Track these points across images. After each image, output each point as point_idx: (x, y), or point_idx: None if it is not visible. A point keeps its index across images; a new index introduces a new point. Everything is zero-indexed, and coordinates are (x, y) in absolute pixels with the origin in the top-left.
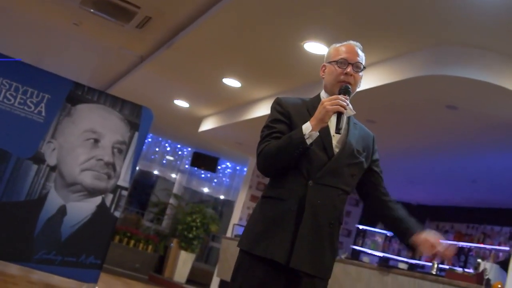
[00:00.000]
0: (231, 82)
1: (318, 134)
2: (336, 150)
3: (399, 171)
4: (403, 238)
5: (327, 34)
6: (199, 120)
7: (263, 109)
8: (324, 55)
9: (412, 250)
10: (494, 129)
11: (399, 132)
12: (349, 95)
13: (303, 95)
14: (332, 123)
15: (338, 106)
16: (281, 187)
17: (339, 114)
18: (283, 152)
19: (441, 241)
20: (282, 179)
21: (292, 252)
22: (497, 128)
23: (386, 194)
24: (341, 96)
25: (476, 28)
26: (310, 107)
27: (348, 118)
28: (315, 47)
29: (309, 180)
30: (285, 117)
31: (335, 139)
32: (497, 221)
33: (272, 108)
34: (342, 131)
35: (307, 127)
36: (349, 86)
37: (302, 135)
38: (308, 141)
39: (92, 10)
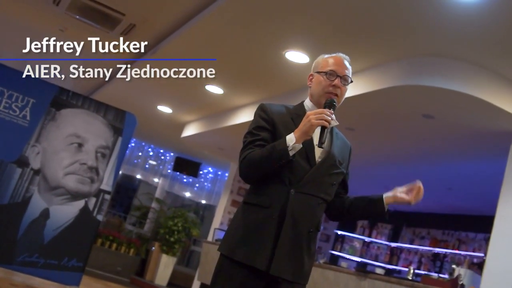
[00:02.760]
0: (214, 89)
1: (302, 146)
2: (319, 160)
3: (377, 178)
4: (375, 205)
5: (308, 43)
6: (181, 126)
7: (244, 116)
8: (304, 64)
9: (382, 210)
10: (469, 138)
11: (378, 139)
12: (334, 109)
13: (284, 103)
14: (316, 134)
15: (323, 121)
16: (263, 194)
17: (323, 128)
18: (265, 162)
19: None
20: (263, 186)
21: (272, 259)
22: (472, 137)
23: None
24: (326, 110)
25: (452, 40)
26: (294, 116)
27: (332, 128)
28: (296, 56)
29: (291, 188)
30: (269, 125)
31: (318, 149)
32: (471, 227)
33: (257, 114)
34: (324, 145)
35: (290, 139)
36: (335, 100)
37: (286, 146)
38: (291, 153)
39: (77, 17)
